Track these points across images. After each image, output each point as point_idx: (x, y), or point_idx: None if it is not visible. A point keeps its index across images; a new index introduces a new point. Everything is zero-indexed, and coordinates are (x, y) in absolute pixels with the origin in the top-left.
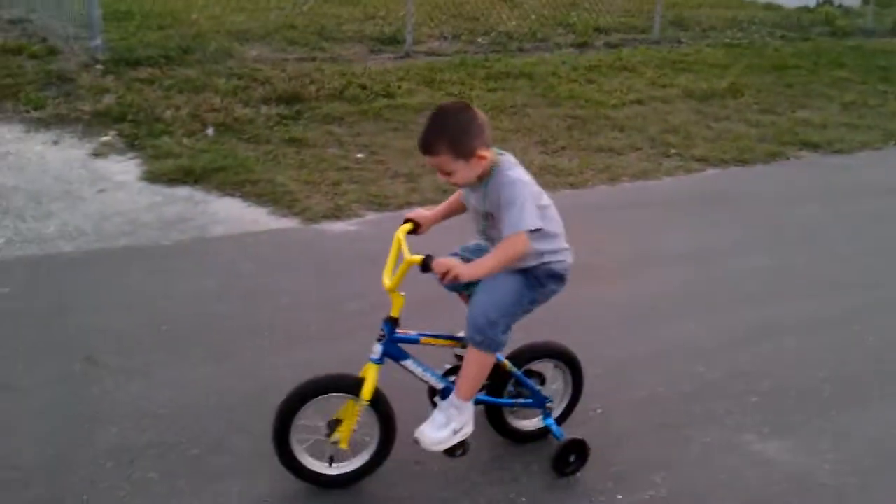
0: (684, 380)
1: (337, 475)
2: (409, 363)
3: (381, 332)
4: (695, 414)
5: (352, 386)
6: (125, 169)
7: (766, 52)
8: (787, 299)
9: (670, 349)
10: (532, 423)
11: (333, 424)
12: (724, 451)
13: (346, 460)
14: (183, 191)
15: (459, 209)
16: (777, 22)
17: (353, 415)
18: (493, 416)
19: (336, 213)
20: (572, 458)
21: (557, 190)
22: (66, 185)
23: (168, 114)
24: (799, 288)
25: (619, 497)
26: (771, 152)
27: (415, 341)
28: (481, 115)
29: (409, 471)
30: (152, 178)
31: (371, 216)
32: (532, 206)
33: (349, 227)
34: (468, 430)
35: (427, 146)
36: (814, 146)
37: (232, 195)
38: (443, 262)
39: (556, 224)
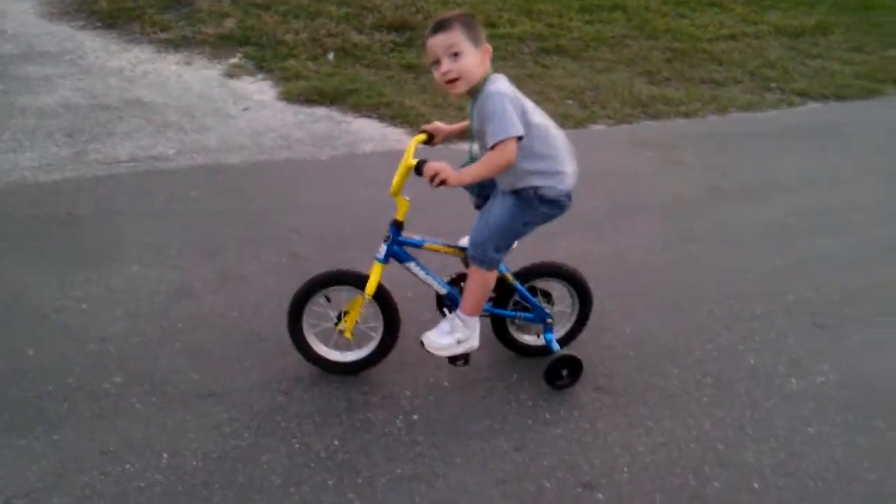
0: (828, 287)
1: (344, 362)
2: (412, 265)
3: (387, 234)
4: (846, 316)
5: (357, 280)
6: (260, 89)
7: None
8: None
9: (809, 261)
10: (535, 338)
11: (342, 315)
12: (882, 346)
13: (353, 349)
14: (321, 111)
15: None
16: None
17: (358, 308)
18: (497, 328)
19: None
20: (564, 373)
21: (671, 118)
22: (211, 103)
23: (289, 38)
24: None
25: (794, 381)
26: (868, 89)
27: (418, 245)
28: None
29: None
30: (289, 98)
31: None
32: (513, 115)
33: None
34: (472, 343)
35: (442, 21)
36: None
37: (369, 116)
38: (433, 165)
39: (546, 145)
